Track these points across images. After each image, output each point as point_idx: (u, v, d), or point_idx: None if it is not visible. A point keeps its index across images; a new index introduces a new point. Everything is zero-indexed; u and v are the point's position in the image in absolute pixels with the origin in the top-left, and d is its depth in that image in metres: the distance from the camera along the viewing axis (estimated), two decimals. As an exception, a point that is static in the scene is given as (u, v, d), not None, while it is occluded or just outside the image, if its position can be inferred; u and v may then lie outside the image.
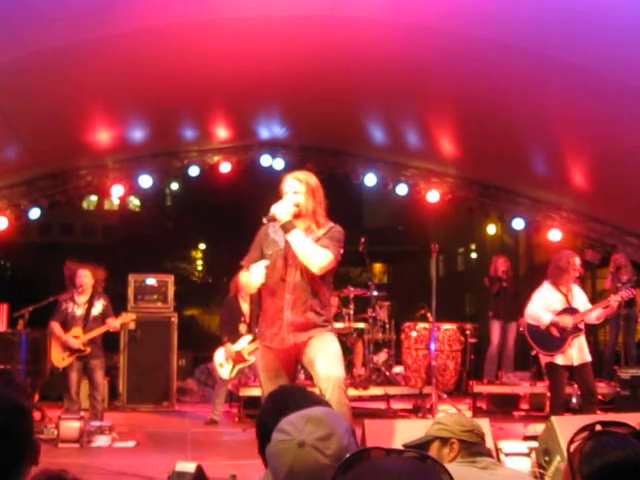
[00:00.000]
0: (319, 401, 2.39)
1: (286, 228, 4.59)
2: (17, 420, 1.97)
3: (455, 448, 3.03)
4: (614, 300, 7.11)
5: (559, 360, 7.01)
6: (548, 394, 7.95)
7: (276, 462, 1.83)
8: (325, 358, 4.62)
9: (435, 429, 3.15)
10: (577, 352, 7.01)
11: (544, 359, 7.23)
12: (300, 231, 4.63)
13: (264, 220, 4.68)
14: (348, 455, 1.56)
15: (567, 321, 6.98)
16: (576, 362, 6.99)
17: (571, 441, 2.02)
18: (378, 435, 5.21)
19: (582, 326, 7.10)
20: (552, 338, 7.03)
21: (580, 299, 7.21)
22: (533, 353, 8.08)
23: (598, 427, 2.08)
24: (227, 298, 9.03)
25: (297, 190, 4.73)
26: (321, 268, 4.63)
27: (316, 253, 4.60)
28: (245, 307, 8.70)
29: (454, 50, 6.56)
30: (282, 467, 1.81)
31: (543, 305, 7.14)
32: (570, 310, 7.08)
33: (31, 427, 2.06)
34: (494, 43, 6.37)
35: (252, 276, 4.59)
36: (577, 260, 7.28)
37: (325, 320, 4.76)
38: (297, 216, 4.71)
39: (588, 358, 7.07)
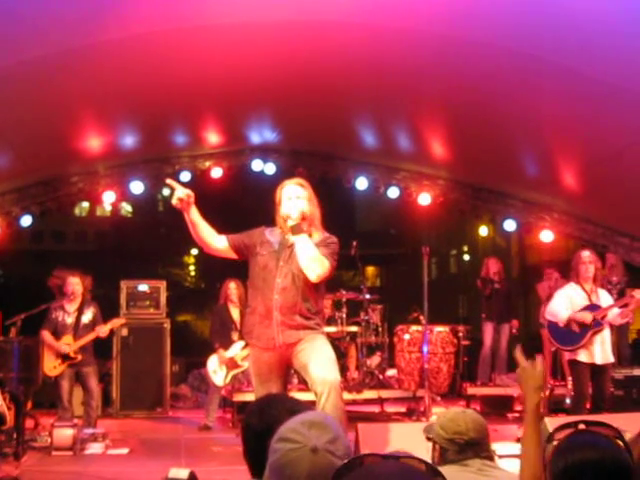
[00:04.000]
0: (301, 404, 2.42)
1: (297, 230, 4.62)
2: None
3: (437, 453, 2.99)
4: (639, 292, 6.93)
5: (582, 357, 6.90)
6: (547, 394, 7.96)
7: (291, 471, 1.80)
8: (319, 362, 4.61)
9: (431, 428, 3.07)
10: (600, 350, 6.90)
11: (567, 356, 7.16)
12: (307, 237, 4.65)
13: (290, 222, 4.67)
14: (344, 462, 1.57)
15: (586, 316, 6.88)
16: (599, 361, 6.89)
17: (548, 439, 2.03)
18: (372, 439, 5.21)
19: (605, 322, 6.95)
20: (572, 333, 6.93)
21: (605, 300, 7.08)
22: (553, 349, 8.02)
23: (582, 426, 2.09)
24: (217, 306, 9.04)
25: (300, 195, 4.77)
26: (319, 276, 4.66)
27: (318, 261, 4.63)
28: (236, 314, 8.69)
29: (444, 53, 6.57)
30: (299, 475, 1.79)
31: (565, 301, 7.05)
32: (592, 307, 6.97)
33: None
34: (483, 46, 6.38)
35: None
36: (586, 252, 7.23)
37: (316, 323, 4.76)
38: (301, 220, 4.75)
39: (611, 359, 7.00)
